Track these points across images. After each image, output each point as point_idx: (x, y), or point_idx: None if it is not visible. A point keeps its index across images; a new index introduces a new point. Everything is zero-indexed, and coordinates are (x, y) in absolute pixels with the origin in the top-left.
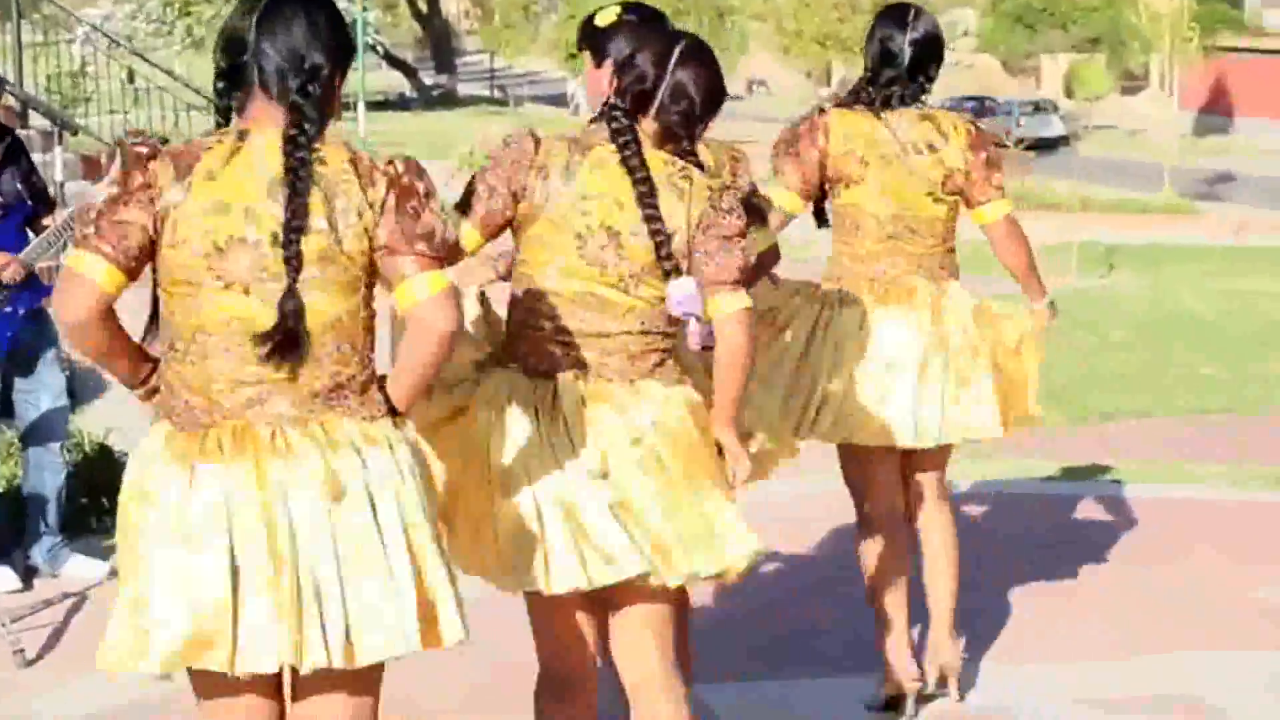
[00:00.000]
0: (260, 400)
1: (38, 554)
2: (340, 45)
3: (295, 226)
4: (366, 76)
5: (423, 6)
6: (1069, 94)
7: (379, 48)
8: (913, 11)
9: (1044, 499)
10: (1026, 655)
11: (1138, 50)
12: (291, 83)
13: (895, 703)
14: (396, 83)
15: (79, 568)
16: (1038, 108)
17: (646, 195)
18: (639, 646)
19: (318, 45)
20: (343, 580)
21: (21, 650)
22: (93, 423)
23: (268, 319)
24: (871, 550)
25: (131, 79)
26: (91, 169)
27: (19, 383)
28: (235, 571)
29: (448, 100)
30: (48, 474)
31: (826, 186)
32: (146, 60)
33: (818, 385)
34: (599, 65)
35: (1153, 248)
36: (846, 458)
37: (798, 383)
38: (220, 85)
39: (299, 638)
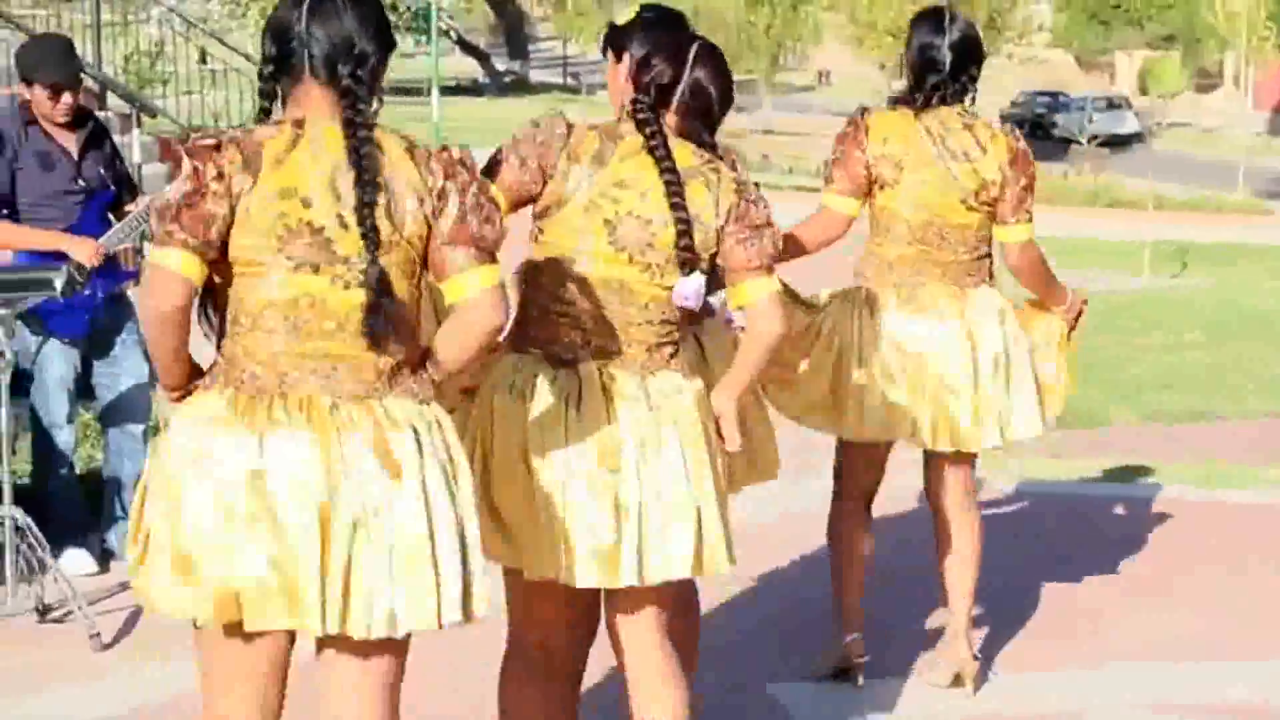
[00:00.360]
0: (326, 375)
1: (114, 538)
2: (386, 33)
3: (368, 202)
4: (440, 62)
5: None
6: (1143, 91)
7: (452, 33)
8: (948, 16)
9: (1112, 499)
10: (1094, 657)
11: (1213, 48)
12: (343, 69)
13: (843, 674)
14: (470, 69)
15: (79, 564)
16: (1111, 104)
17: (673, 184)
18: (638, 639)
19: (367, 33)
20: (392, 552)
21: (98, 634)
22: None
23: (337, 298)
24: (845, 527)
25: (205, 60)
26: (167, 152)
27: (99, 365)
28: (296, 535)
29: (520, 87)
30: (126, 458)
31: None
32: (222, 42)
33: (854, 383)
34: (619, 63)
35: (1226, 246)
36: (848, 444)
37: (838, 379)
38: (268, 71)
39: (343, 605)
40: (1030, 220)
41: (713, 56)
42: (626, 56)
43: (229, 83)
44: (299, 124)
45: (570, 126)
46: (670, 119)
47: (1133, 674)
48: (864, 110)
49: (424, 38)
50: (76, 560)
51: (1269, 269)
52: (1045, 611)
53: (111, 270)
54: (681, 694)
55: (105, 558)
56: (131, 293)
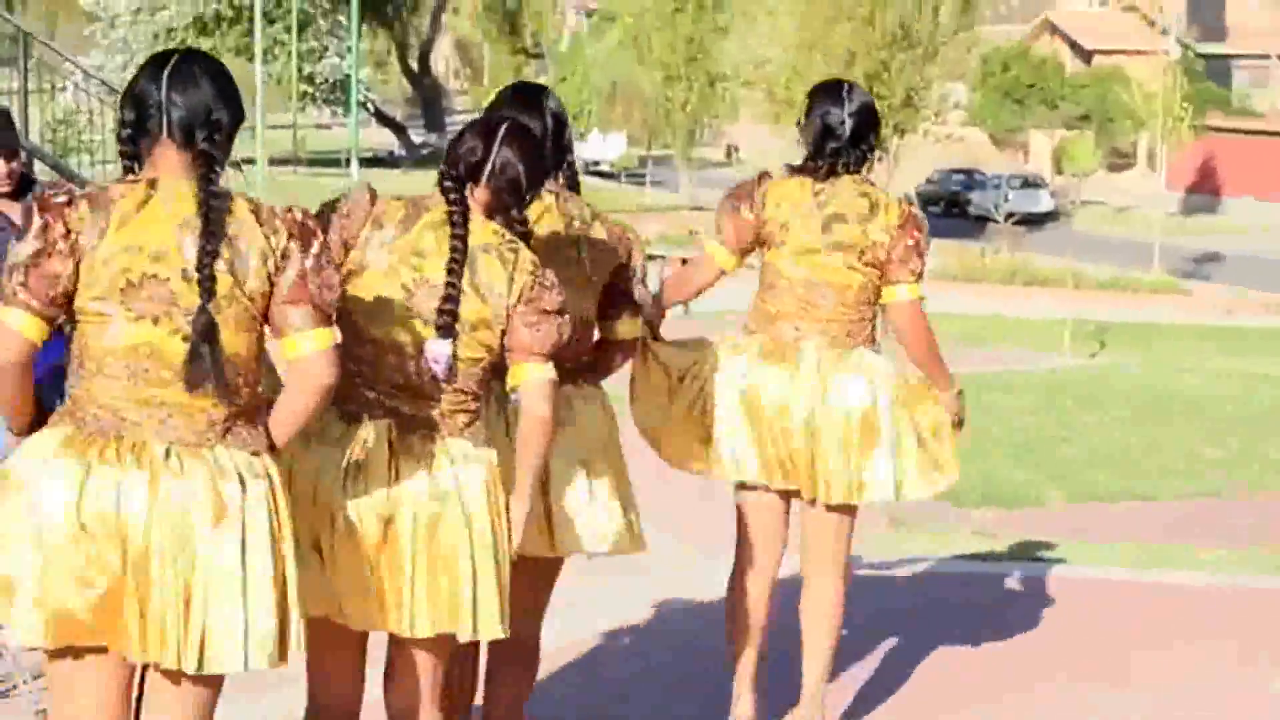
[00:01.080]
0: (161, 421)
1: None
2: (238, 104)
3: (210, 251)
4: (357, 133)
5: (414, 65)
6: (1057, 169)
7: (370, 105)
8: (846, 86)
9: (1047, 580)
10: None
11: (1127, 128)
12: (199, 134)
13: None
14: (387, 140)
15: None
16: (1026, 182)
17: (457, 251)
18: (406, 686)
19: (222, 102)
20: (207, 594)
21: (44, 710)
22: None
23: (174, 348)
24: (739, 597)
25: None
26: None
27: None
28: (112, 569)
29: (437, 158)
30: None
31: (757, 247)
32: None
33: (704, 425)
34: None
35: (1144, 325)
36: (740, 505)
37: (697, 422)
38: (127, 134)
39: (158, 639)
40: (917, 281)
41: (522, 137)
42: None
43: None
44: (153, 183)
45: (374, 197)
46: (480, 194)
47: None
48: (764, 174)
49: (341, 109)
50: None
51: (1188, 347)
52: (985, 694)
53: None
54: None
55: None
56: None
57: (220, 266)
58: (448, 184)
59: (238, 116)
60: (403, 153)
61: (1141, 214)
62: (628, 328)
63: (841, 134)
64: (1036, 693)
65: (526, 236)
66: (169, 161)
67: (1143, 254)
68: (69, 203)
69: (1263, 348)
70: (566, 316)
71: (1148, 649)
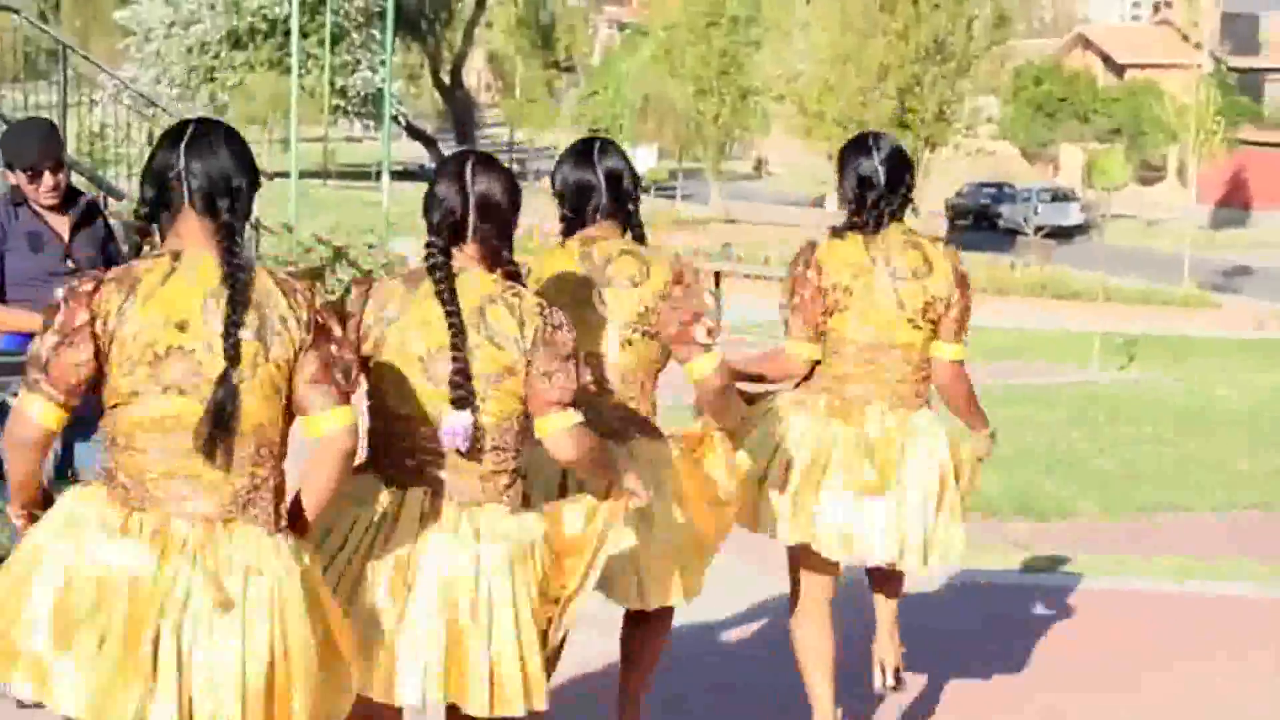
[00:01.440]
0: (183, 496)
1: None
2: (254, 168)
3: (235, 320)
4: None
5: (445, 79)
6: (1087, 183)
7: (401, 119)
8: (871, 137)
9: (1085, 594)
10: None
11: (1158, 141)
12: (221, 203)
13: None
14: (417, 154)
15: None
16: (1056, 196)
17: (454, 321)
18: None
19: (240, 168)
20: (210, 679)
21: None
22: None
23: (208, 429)
24: (804, 635)
25: (151, 141)
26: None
27: (80, 449)
28: (121, 647)
29: None
30: None
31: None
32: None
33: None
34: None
35: (1174, 339)
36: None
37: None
38: (145, 212)
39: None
40: (964, 344)
41: (486, 164)
42: None
43: None
44: (176, 255)
45: (370, 285)
46: (470, 249)
47: None
48: (812, 245)
49: (373, 123)
50: None
51: (1219, 362)
52: (1020, 707)
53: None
54: None
55: None
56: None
57: (246, 335)
58: (432, 252)
59: (255, 182)
60: (433, 166)
61: (1171, 227)
62: (698, 367)
63: (878, 182)
64: (1071, 703)
65: (516, 276)
66: (191, 232)
67: (1173, 267)
68: (95, 289)
69: None
70: (579, 355)
71: (1188, 660)
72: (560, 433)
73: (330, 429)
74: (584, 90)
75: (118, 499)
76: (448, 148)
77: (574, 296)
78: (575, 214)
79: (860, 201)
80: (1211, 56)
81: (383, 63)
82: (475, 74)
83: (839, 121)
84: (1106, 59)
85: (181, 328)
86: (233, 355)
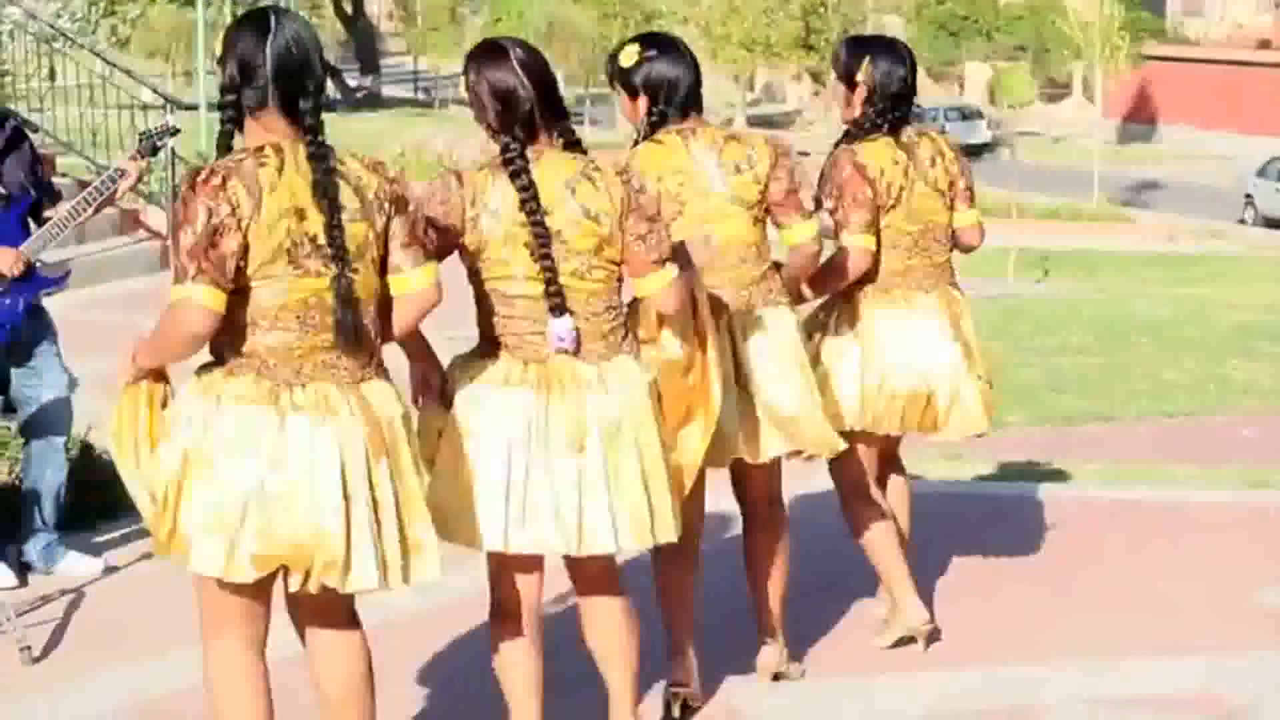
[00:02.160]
0: (331, 366)
1: (32, 550)
2: (325, 63)
3: (336, 222)
4: None
5: (347, 8)
6: (992, 101)
7: None
8: (899, 44)
9: (1016, 498)
10: (1027, 657)
11: (1063, 58)
12: (304, 103)
13: (907, 642)
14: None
15: (74, 565)
16: (964, 114)
17: (531, 204)
18: (596, 593)
19: (320, 65)
20: (401, 516)
21: (28, 647)
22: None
23: (339, 300)
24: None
25: (54, 77)
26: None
27: (18, 376)
28: (318, 506)
29: (372, 102)
30: (49, 469)
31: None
32: (103, 58)
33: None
34: (633, 99)
35: (1088, 253)
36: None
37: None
38: (231, 100)
39: (370, 561)
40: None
41: (529, 54)
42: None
43: (80, 99)
44: (277, 149)
45: (460, 178)
46: (543, 138)
47: (1071, 671)
48: (849, 150)
49: None
50: None
51: (1134, 275)
52: (965, 610)
53: (30, 280)
54: (633, 632)
55: (22, 571)
56: (48, 303)
57: (355, 215)
58: (506, 150)
59: (325, 75)
60: (338, 97)
61: (1078, 144)
62: (800, 230)
63: (905, 91)
64: (1004, 599)
65: (582, 147)
66: (277, 127)
67: (1082, 183)
68: (222, 183)
69: (1207, 273)
70: (663, 216)
71: (1125, 563)
72: (661, 289)
73: (423, 285)
74: (487, 17)
75: (268, 378)
76: (352, 78)
77: (693, 184)
78: (668, 106)
79: (890, 107)
80: None
81: None
82: (377, 3)
83: (743, 44)
84: None
85: (302, 216)
86: (341, 254)
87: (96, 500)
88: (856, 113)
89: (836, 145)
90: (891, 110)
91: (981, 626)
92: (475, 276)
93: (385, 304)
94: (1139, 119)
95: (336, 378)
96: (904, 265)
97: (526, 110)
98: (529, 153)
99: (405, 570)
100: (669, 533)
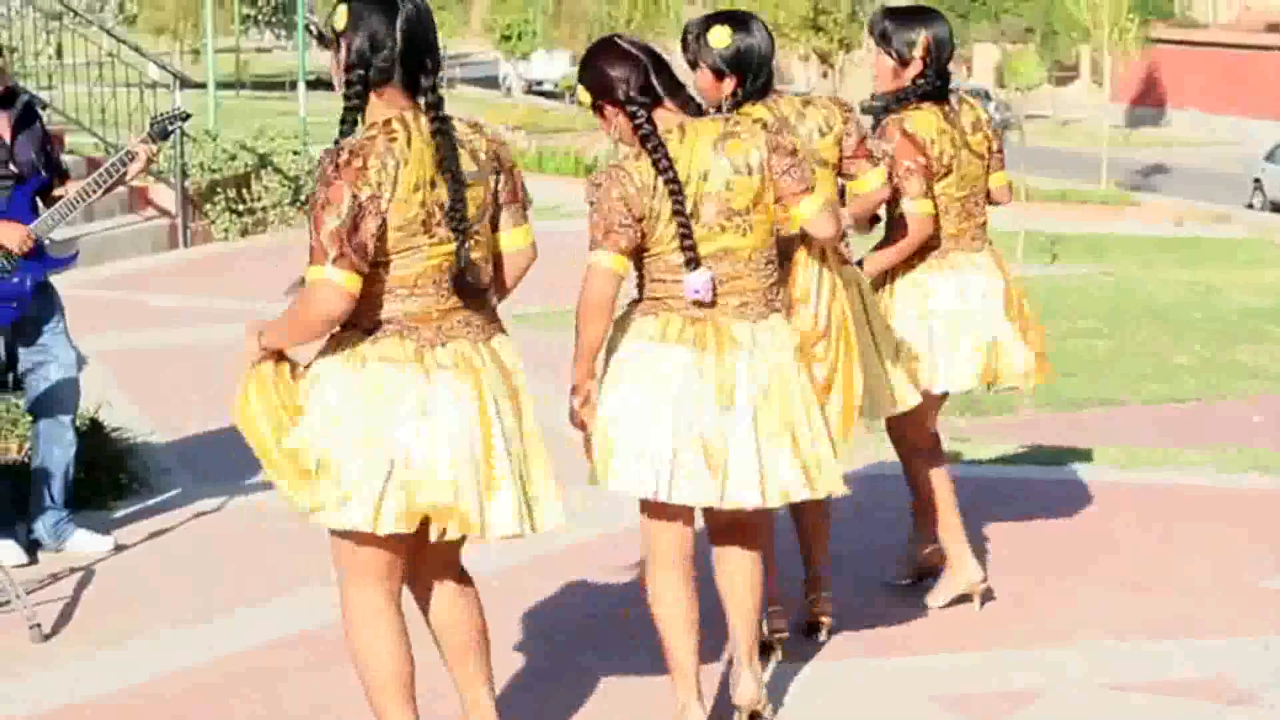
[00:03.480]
0: (466, 323)
1: (41, 528)
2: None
3: (460, 196)
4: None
5: None
6: (1000, 84)
7: (312, 28)
8: (939, 15)
9: (1025, 484)
10: (1034, 640)
11: (1072, 41)
12: (425, 81)
13: (962, 600)
14: (329, 63)
15: (83, 542)
16: (973, 96)
17: (675, 189)
18: (740, 554)
19: (437, 44)
20: (529, 465)
21: (38, 625)
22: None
23: (465, 261)
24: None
25: (60, 55)
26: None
27: (26, 354)
28: (462, 462)
29: None
30: (57, 447)
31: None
32: (112, 35)
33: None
34: (719, 79)
35: (1096, 236)
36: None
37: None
38: (359, 76)
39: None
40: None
41: (640, 45)
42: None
43: (88, 77)
44: (402, 123)
45: (623, 169)
46: (669, 104)
47: (1082, 654)
48: (898, 119)
49: (284, 32)
50: (3, 551)
51: (1142, 259)
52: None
53: (39, 258)
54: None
55: (31, 549)
56: (57, 280)
57: (473, 179)
58: (641, 122)
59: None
60: None
61: (1086, 127)
62: (874, 176)
63: (948, 58)
64: (1020, 588)
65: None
66: (400, 102)
67: (1089, 167)
68: (364, 164)
69: (1215, 257)
70: (802, 149)
71: (1134, 546)
72: (816, 212)
73: (523, 243)
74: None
75: (411, 340)
76: None
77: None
78: (754, 85)
79: (940, 76)
80: None
81: None
82: None
83: None
84: None
85: (433, 184)
86: (461, 225)
87: (106, 478)
88: (905, 83)
89: (876, 115)
90: (939, 79)
91: (989, 609)
92: (640, 250)
93: (497, 260)
94: (1147, 102)
95: (471, 335)
96: (957, 229)
97: (652, 88)
98: (668, 122)
99: (534, 518)
100: (831, 484)
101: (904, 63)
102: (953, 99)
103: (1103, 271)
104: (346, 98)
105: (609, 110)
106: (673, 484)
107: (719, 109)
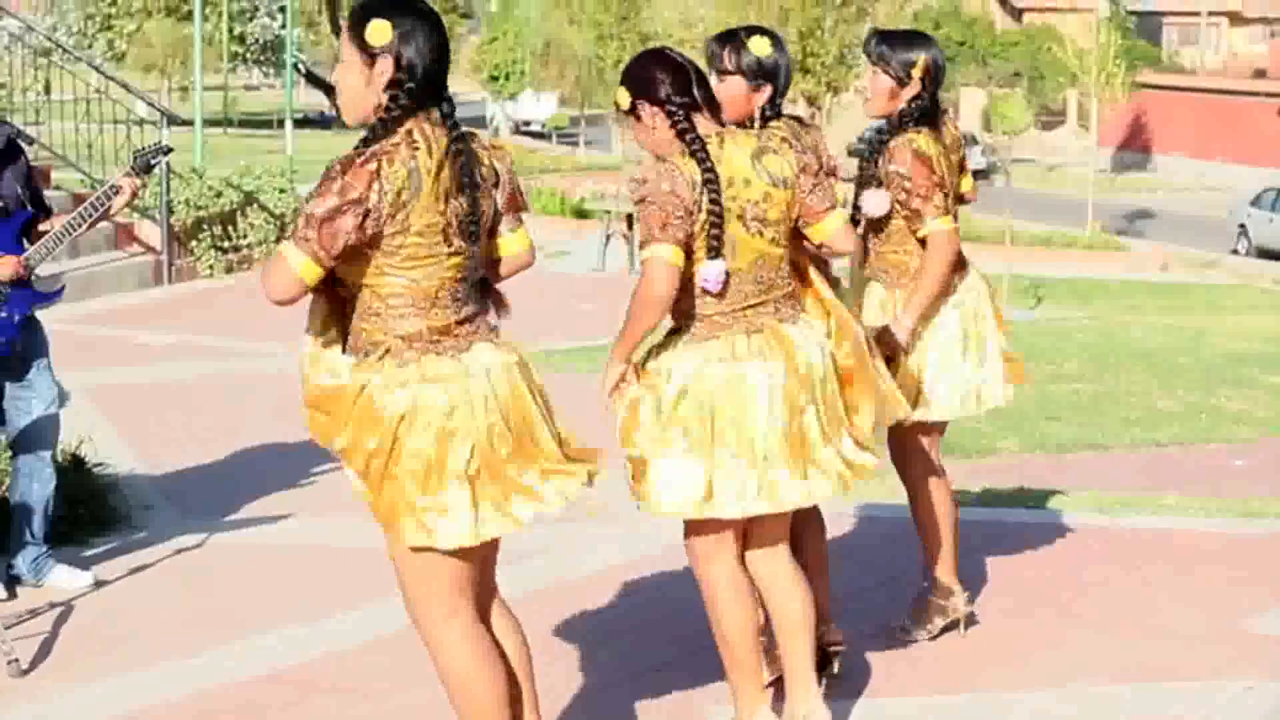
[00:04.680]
0: (474, 331)
1: (22, 563)
2: None
3: (478, 208)
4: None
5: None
6: (987, 128)
7: (300, 66)
8: (933, 38)
9: (1009, 525)
10: (1014, 681)
11: (1058, 85)
12: (446, 107)
13: (950, 629)
14: (316, 101)
15: (63, 578)
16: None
17: (713, 188)
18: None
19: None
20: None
21: (16, 659)
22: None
23: (473, 270)
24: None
25: (49, 90)
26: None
27: (10, 389)
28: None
29: None
30: (36, 483)
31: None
32: (100, 71)
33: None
34: (755, 89)
35: (1082, 281)
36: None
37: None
38: (410, 88)
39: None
40: None
41: (677, 55)
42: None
43: (75, 113)
44: (423, 134)
45: (672, 163)
46: (707, 114)
47: (1058, 696)
48: (906, 138)
49: (271, 70)
50: None
51: (1127, 303)
52: (954, 633)
53: (26, 292)
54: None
55: (11, 584)
56: (42, 315)
57: (485, 193)
58: (679, 123)
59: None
60: (333, 114)
61: (1073, 172)
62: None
63: (941, 79)
64: (1001, 629)
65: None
66: (420, 116)
67: (1076, 211)
68: (377, 168)
69: (1201, 303)
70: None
71: (1116, 589)
72: (836, 229)
73: (521, 247)
74: (484, 36)
75: (432, 352)
76: None
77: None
78: (781, 96)
79: (933, 97)
80: (1109, 0)
81: (281, 9)
82: None
83: None
84: (1005, 2)
85: (447, 196)
86: (474, 242)
87: (87, 513)
88: (902, 103)
89: (877, 140)
90: (934, 100)
91: (969, 650)
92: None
93: (494, 264)
94: (1133, 147)
95: (480, 342)
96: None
97: (685, 85)
98: (706, 129)
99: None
100: (870, 468)
101: (902, 83)
102: (943, 119)
103: (1088, 316)
104: (389, 110)
105: (646, 111)
106: (765, 491)
107: (741, 125)
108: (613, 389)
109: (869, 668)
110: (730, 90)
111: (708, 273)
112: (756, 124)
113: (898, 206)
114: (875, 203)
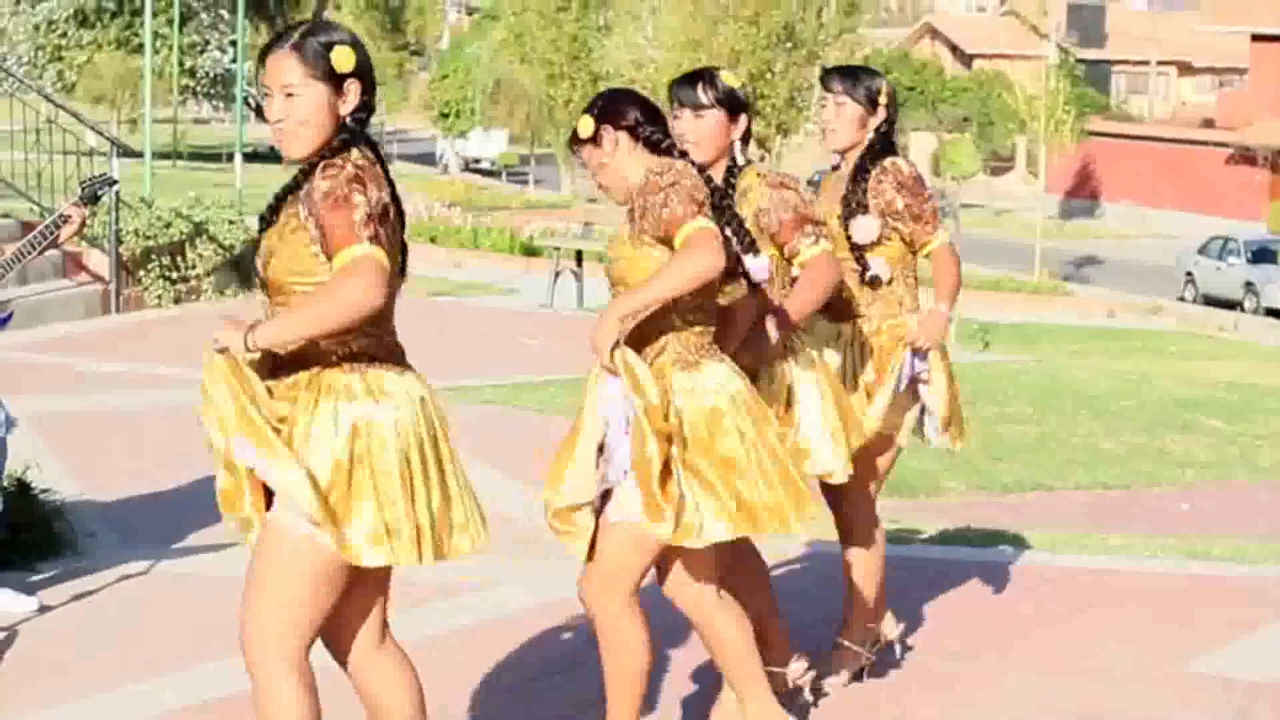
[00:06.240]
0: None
1: None
2: None
3: (403, 225)
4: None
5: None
6: (936, 173)
7: (251, 100)
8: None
9: (953, 565)
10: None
11: (1007, 131)
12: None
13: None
14: (266, 134)
15: (7, 603)
16: None
17: (691, 160)
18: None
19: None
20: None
21: None
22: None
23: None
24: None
25: None
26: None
27: None
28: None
29: None
30: None
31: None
32: (51, 100)
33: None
34: (734, 120)
35: (1028, 326)
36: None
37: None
38: (363, 115)
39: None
40: None
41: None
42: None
43: (25, 143)
44: (368, 159)
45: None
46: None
47: None
48: (884, 167)
49: (221, 104)
50: None
51: (1073, 348)
52: (896, 674)
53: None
54: None
55: None
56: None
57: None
58: (670, 148)
59: None
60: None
61: (1021, 217)
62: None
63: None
64: (944, 670)
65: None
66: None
67: (1023, 256)
68: (378, 177)
69: (1146, 348)
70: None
71: (1059, 630)
72: (815, 256)
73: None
74: (434, 74)
75: (395, 360)
76: None
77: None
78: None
79: (890, 130)
80: (1058, 48)
81: (232, 43)
82: None
83: None
84: (955, 49)
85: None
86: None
87: (31, 539)
88: (870, 133)
89: (860, 167)
90: (893, 133)
91: (912, 691)
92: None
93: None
94: (1082, 194)
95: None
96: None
97: (652, 119)
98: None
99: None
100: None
101: (870, 111)
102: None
103: (1034, 359)
104: (352, 132)
105: (608, 137)
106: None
107: (719, 157)
108: (611, 350)
109: (808, 709)
110: (709, 124)
111: (761, 264)
112: (740, 158)
113: (888, 231)
114: (864, 230)
